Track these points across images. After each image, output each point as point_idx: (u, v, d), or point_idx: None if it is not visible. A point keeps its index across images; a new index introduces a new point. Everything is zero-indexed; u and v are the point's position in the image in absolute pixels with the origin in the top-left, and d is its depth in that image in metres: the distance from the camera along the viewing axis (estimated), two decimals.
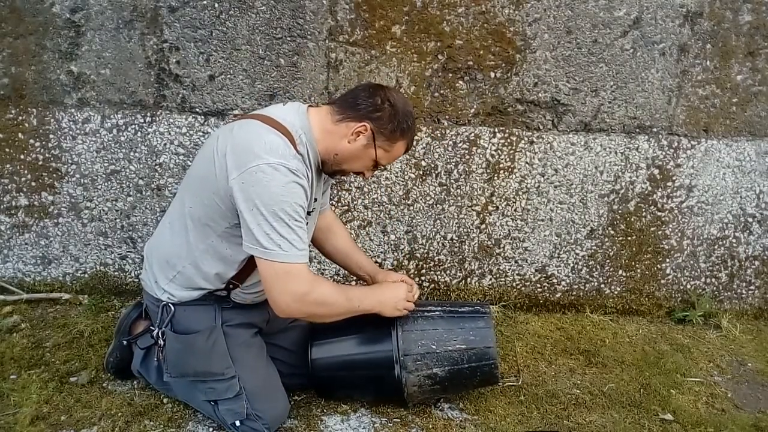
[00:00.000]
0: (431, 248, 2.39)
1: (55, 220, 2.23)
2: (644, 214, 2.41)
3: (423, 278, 2.42)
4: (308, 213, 1.55)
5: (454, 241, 2.39)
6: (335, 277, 2.35)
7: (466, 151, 2.28)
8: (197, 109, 2.15)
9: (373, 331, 1.74)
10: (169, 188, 2.21)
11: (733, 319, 2.51)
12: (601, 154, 2.33)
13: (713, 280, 2.54)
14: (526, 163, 2.31)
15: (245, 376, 1.62)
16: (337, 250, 1.91)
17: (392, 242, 2.36)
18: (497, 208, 2.35)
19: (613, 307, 2.52)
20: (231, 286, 1.62)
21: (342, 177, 2.15)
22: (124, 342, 1.78)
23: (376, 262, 2.32)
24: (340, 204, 2.29)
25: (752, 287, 2.57)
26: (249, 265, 1.57)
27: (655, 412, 1.91)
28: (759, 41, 2.25)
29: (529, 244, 2.42)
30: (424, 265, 2.41)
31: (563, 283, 2.48)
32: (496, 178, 2.32)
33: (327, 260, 2.03)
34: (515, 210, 2.37)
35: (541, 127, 2.28)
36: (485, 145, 2.28)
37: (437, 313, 1.79)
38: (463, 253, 2.40)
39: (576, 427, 1.81)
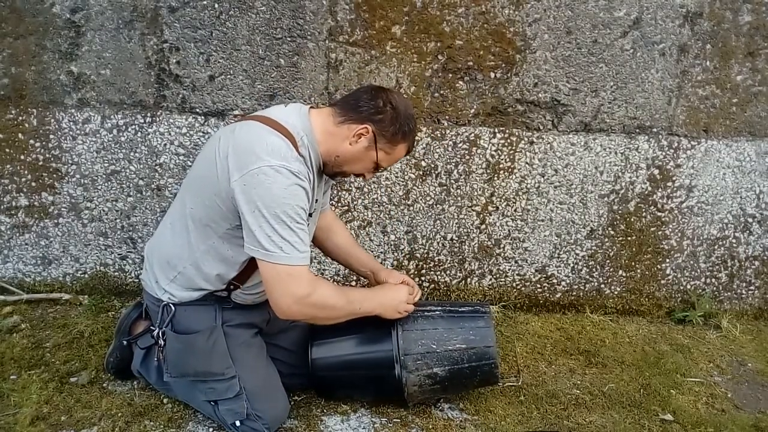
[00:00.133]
0: (431, 248, 2.39)
1: (56, 221, 2.23)
2: (644, 214, 2.42)
3: (423, 278, 2.42)
4: (309, 214, 1.55)
5: (454, 241, 2.39)
6: (335, 278, 2.35)
7: (466, 152, 2.28)
8: (197, 110, 2.15)
9: (373, 331, 1.74)
10: (170, 188, 2.21)
11: (733, 320, 2.51)
12: (601, 155, 2.33)
13: (713, 280, 2.54)
14: (526, 163, 2.31)
15: (245, 376, 1.62)
16: (338, 248, 1.92)
17: (392, 242, 2.37)
18: (497, 208, 2.36)
19: (613, 308, 2.52)
20: (232, 286, 1.62)
21: (342, 178, 2.15)
22: (125, 342, 1.78)
23: None
24: (340, 204, 2.29)
25: (752, 287, 2.57)
26: (250, 266, 1.57)
27: (655, 412, 1.91)
28: (759, 41, 2.25)
29: (529, 245, 2.42)
30: (424, 266, 2.41)
31: (563, 283, 2.49)
32: (496, 178, 2.32)
33: (327, 260, 2.02)
34: (515, 210, 2.37)
35: (541, 128, 2.28)
36: (485, 146, 2.28)
37: (437, 312, 1.79)
38: (463, 254, 2.41)
39: (576, 428, 1.82)
